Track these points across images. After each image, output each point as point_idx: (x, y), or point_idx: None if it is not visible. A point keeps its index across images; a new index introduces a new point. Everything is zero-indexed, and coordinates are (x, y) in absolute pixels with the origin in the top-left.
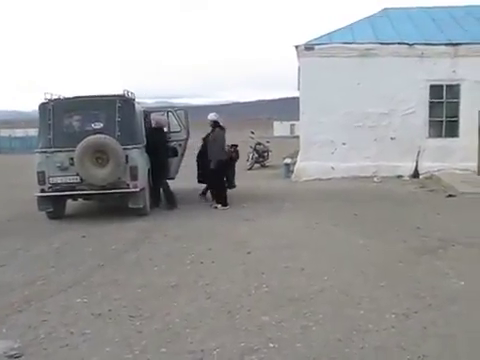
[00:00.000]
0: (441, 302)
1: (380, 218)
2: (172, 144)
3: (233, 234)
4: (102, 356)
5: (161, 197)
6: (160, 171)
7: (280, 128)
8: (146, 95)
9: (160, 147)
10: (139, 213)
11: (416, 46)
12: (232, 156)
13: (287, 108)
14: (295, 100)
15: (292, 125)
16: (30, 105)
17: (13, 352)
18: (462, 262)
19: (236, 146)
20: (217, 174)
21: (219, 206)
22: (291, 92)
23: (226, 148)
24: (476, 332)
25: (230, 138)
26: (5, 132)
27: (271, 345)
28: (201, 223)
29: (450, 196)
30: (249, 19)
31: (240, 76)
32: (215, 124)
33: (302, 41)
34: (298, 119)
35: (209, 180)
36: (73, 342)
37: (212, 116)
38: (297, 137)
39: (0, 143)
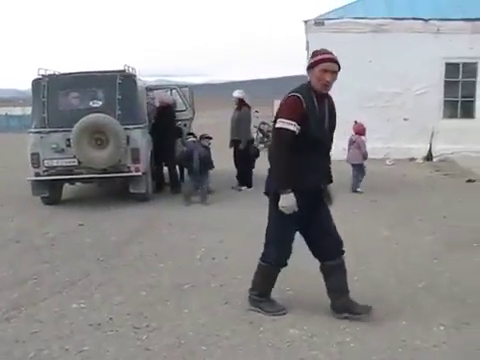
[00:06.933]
0: None
1: (400, 205)
2: (177, 124)
3: (244, 223)
4: None
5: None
6: (169, 153)
7: None
8: (145, 73)
9: (170, 128)
10: (141, 198)
11: (432, 21)
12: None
13: (286, 87)
14: (294, 78)
15: None
16: (27, 83)
17: None
18: None
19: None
20: (245, 154)
21: (244, 188)
22: (290, 71)
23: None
24: None
25: (229, 117)
26: (1, 110)
27: None
28: (207, 210)
29: (470, 181)
30: None
31: (238, 55)
32: (241, 102)
33: (309, 16)
34: None
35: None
36: None
37: (237, 94)
38: None
39: None
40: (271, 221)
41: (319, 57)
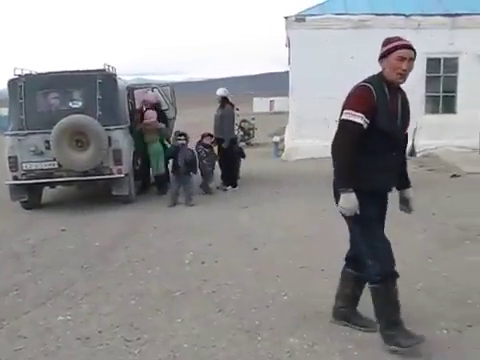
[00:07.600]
0: None
1: (389, 202)
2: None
3: (233, 225)
4: None
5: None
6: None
7: (260, 104)
8: (123, 72)
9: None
10: (124, 201)
11: (413, 17)
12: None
13: (266, 84)
14: (273, 75)
15: (271, 101)
16: (3, 83)
17: None
18: None
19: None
20: (229, 153)
21: (229, 188)
22: (269, 68)
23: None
24: None
25: (210, 115)
26: None
27: None
28: (193, 212)
29: (454, 176)
30: None
31: (216, 52)
32: (224, 100)
33: (289, 12)
34: (277, 95)
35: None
36: None
37: (221, 92)
38: (277, 113)
39: None
40: (356, 234)
41: (395, 44)
